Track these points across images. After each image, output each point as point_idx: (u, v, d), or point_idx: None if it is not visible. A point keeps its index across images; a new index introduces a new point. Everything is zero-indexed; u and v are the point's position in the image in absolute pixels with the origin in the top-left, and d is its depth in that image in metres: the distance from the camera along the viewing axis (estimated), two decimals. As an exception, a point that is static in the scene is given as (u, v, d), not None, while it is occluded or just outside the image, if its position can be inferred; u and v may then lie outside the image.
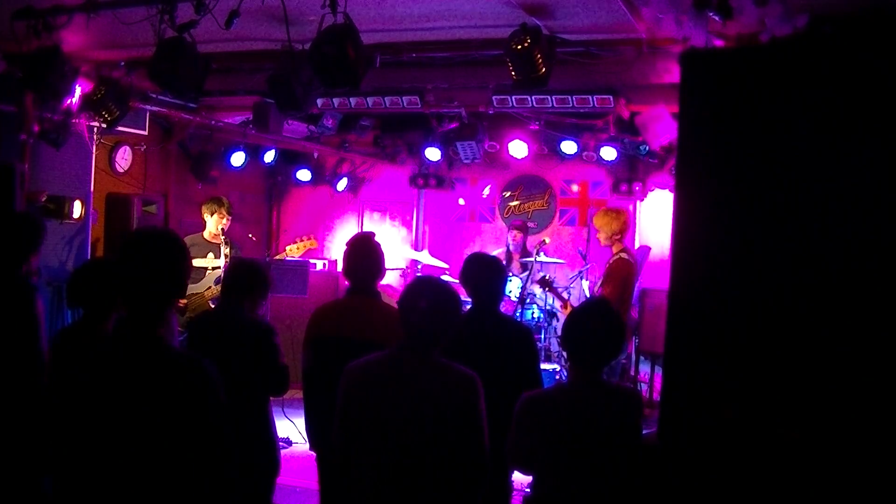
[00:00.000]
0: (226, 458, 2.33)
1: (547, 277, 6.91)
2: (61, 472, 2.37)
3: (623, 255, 6.41)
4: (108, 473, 2.26)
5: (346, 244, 3.95)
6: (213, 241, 6.62)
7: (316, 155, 9.46)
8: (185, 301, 6.26)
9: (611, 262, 6.46)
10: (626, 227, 6.47)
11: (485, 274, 3.93)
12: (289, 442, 6.52)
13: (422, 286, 3.09)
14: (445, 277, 7.59)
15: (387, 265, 4.01)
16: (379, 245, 3.91)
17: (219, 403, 2.32)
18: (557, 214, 9.51)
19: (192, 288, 6.36)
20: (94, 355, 2.38)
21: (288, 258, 7.25)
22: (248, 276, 4.11)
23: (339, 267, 9.99)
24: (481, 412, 2.98)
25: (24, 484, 3.88)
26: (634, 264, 6.50)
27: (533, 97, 6.24)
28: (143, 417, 2.24)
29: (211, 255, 6.53)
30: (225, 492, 2.32)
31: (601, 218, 6.50)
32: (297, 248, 7.16)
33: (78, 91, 5.96)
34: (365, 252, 3.88)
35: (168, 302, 2.40)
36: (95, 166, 7.28)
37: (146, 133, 7.56)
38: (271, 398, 4.11)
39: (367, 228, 10.18)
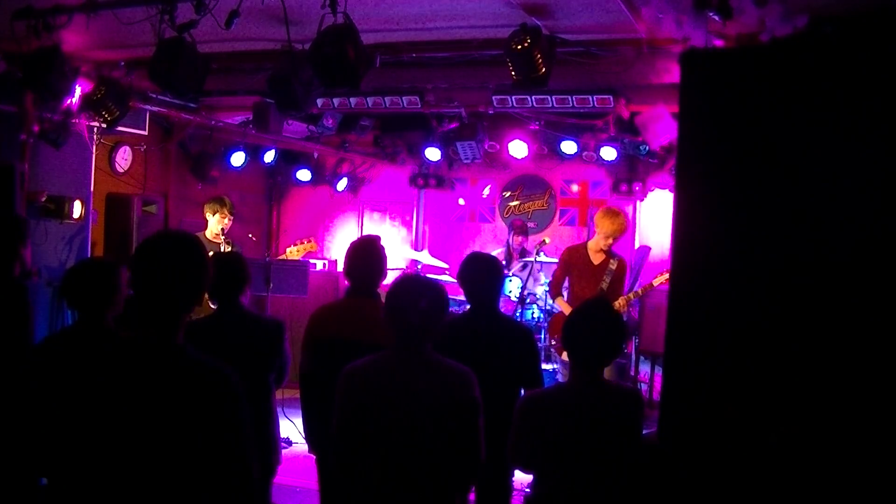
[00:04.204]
0: (247, 471, 2.23)
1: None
2: (59, 475, 2.29)
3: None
4: (113, 481, 2.16)
5: (350, 245, 3.95)
6: (215, 240, 6.61)
7: (316, 155, 9.46)
8: None
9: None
10: None
11: (482, 274, 3.93)
12: (289, 442, 6.52)
13: (416, 286, 3.09)
14: (445, 277, 7.59)
15: (388, 268, 4.00)
16: (382, 248, 3.92)
17: (242, 414, 2.22)
18: (557, 214, 9.51)
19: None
20: (105, 358, 2.26)
21: (288, 259, 7.25)
22: (232, 271, 3.98)
23: (340, 267, 10.00)
24: (478, 405, 3.00)
25: (18, 481, 3.86)
26: None
27: (533, 97, 6.24)
28: (157, 425, 2.14)
29: (212, 254, 6.52)
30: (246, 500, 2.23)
31: (622, 221, 6.55)
32: (297, 251, 7.16)
33: (78, 91, 5.96)
34: (367, 254, 3.88)
35: (189, 308, 2.30)
36: (95, 166, 7.27)
37: (146, 133, 7.56)
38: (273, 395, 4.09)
39: (367, 228, 10.19)
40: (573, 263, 6.65)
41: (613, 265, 6.48)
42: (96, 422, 2.18)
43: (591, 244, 6.61)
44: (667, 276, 6.42)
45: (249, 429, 2.25)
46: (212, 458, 2.17)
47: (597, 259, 6.56)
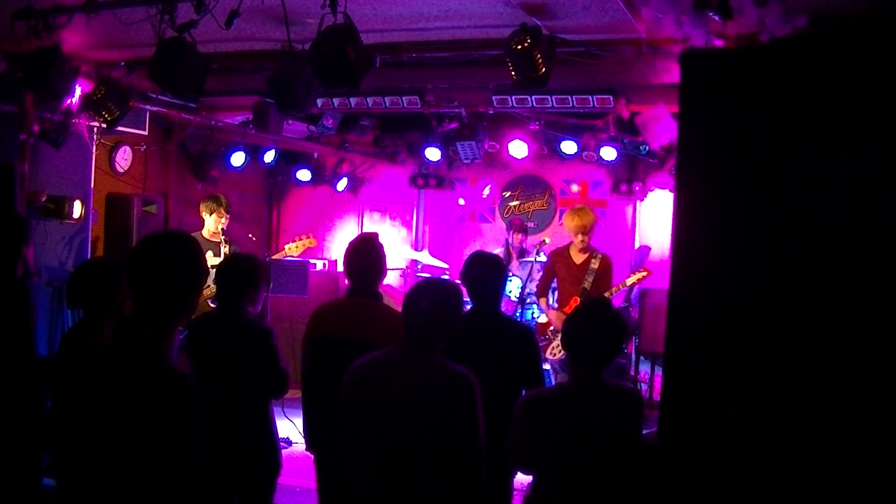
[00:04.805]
0: (187, 487, 2.19)
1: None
2: (61, 474, 2.34)
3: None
4: (92, 480, 2.20)
5: (349, 244, 3.93)
6: (213, 239, 6.61)
7: (316, 155, 9.46)
8: None
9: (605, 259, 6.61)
10: None
11: (485, 274, 3.93)
12: (289, 442, 6.52)
13: (424, 287, 3.10)
14: (445, 277, 7.59)
15: (388, 266, 3.99)
16: (381, 246, 3.89)
17: (186, 426, 2.18)
18: (557, 214, 9.50)
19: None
20: (91, 360, 2.31)
21: (287, 257, 7.24)
22: (239, 274, 3.99)
23: (340, 267, 10.01)
24: (478, 412, 2.99)
25: (21, 481, 3.87)
26: None
27: (533, 97, 6.25)
28: (121, 428, 2.16)
29: (210, 253, 6.50)
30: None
31: (584, 214, 6.57)
32: (297, 247, 7.14)
33: (78, 91, 5.97)
34: (366, 252, 3.86)
35: (184, 307, 2.30)
36: (95, 166, 7.28)
37: (146, 133, 7.56)
38: (271, 399, 4.09)
39: (367, 228, 10.19)
40: (557, 265, 6.77)
41: (595, 264, 6.53)
42: (75, 423, 2.24)
43: (573, 245, 6.70)
44: (639, 275, 6.57)
45: (192, 447, 2.19)
46: (155, 467, 2.15)
47: (579, 259, 6.64)
